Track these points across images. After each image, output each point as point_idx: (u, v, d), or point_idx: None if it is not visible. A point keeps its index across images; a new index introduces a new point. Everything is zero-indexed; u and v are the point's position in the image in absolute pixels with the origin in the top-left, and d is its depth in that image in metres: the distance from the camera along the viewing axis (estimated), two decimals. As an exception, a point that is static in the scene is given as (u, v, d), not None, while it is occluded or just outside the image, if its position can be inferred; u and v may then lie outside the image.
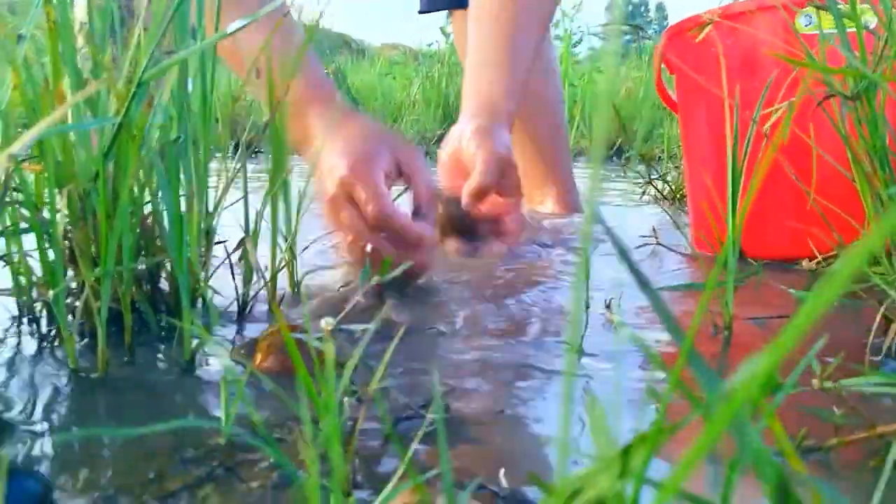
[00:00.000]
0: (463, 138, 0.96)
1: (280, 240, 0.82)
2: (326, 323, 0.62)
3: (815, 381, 0.53)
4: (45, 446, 0.52)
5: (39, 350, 0.70)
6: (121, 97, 0.55)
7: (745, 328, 0.80)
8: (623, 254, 0.22)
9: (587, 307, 0.73)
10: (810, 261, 0.91)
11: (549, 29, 1.19)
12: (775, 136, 0.62)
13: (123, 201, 0.61)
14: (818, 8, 0.95)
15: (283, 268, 0.83)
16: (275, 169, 0.78)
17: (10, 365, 0.66)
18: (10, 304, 0.77)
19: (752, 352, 0.37)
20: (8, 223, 0.70)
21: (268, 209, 0.81)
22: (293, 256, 0.82)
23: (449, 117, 3.45)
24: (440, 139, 3.31)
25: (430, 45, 4.96)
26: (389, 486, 0.39)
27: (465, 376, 0.66)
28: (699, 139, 1.16)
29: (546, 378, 0.66)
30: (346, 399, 0.55)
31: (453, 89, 3.58)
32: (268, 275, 0.78)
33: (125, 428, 0.55)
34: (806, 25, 1.05)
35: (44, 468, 0.50)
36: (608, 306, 0.79)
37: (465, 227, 0.94)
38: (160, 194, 0.64)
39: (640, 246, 1.18)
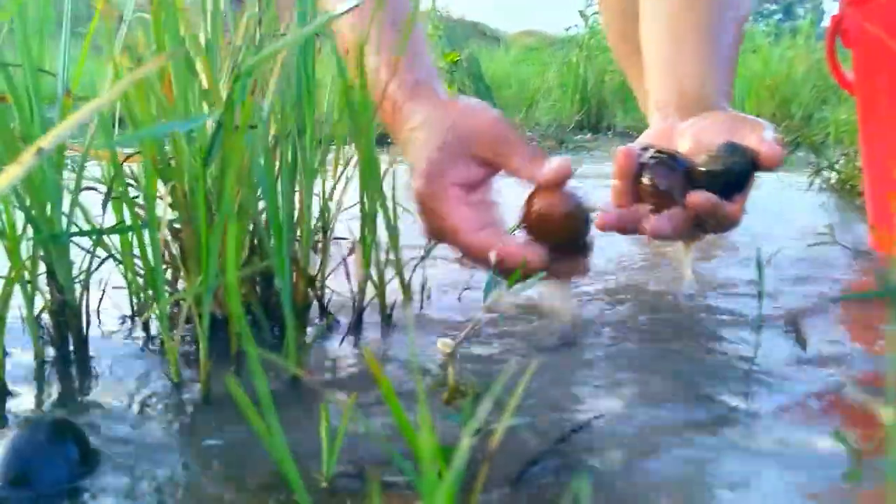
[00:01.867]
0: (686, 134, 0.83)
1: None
2: (443, 345, 0.53)
3: None
4: (133, 474, 0.46)
5: (144, 354, 0.66)
6: (216, 91, 0.49)
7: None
8: None
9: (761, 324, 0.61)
10: None
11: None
12: None
13: (226, 199, 0.55)
14: None
15: (392, 278, 0.75)
16: (363, 164, 0.70)
17: (112, 370, 0.62)
18: (125, 302, 0.74)
19: None
20: (121, 219, 0.66)
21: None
22: (398, 260, 0.74)
23: (586, 102, 3.31)
24: (578, 125, 3.18)
25: (568, 30, 4.81)
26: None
27: (610, 408, 0.56)
28: (885, 124, 1.00)
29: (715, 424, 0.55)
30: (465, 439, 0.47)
31: (592, 73, 3.43)
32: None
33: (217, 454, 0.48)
34: None
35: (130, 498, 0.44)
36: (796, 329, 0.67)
37: (665, 200, 0.75)
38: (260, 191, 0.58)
39: (814, 244, 1.03)
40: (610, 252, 1.04)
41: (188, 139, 0.59)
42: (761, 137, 0.77)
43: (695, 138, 0.83)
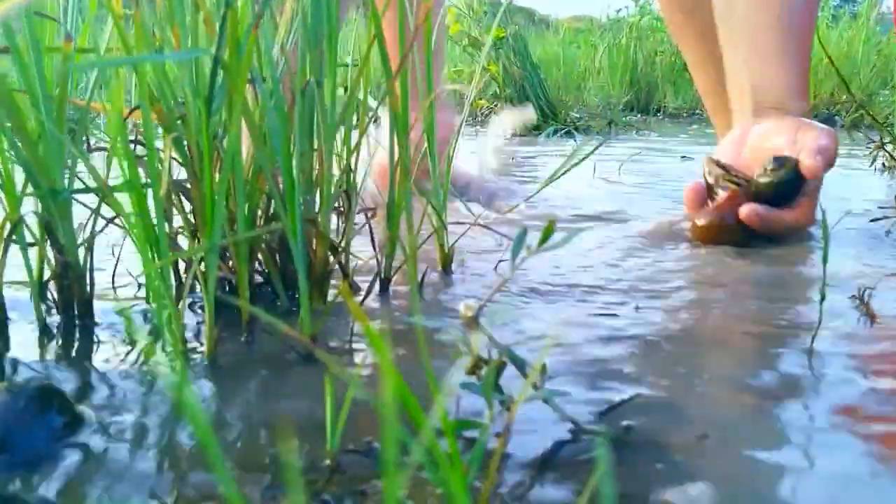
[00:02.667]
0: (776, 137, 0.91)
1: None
2: (466, 308, 0.48)
3: None
4: (119, 439, 0.42)
5: (149, 320, 0.62)
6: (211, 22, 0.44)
7: None
8: None
9: (822, 299, 0.55)
10: None
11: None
12: None
13: (230, 149, 0.50)
14: None
15: (427, 237, 0.70)
16: (394, 112, 0.64)
17: (116, 336, 0.58)
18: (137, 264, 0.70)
19: None
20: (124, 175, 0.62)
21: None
22: (442, 224, 0.69)
23: (636, 83, 3.21)
24: (627, 106, 3.09)
25: (618, 12, 4.70)
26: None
27: (656, 382, 0.50)
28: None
29: (772, 394, 0.49)
30: (487, 412, 0.42)
31: (642, 55, 3.34)
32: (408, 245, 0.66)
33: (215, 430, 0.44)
34: None
35: (131, 472, 0.40)
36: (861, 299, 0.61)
37: (769, 194, 0.87)
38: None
39: (876, 219, 0.95)
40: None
41: (194, 90, 0.54)
42: (811, 148, 0.85)
43: (754, 147, 0.92)
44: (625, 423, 0.45)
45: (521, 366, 0.44)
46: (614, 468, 0.40)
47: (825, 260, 0.54)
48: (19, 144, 0.55)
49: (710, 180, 0.93)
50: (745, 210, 0.85)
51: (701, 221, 0.88)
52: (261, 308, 0.64)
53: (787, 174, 0.86)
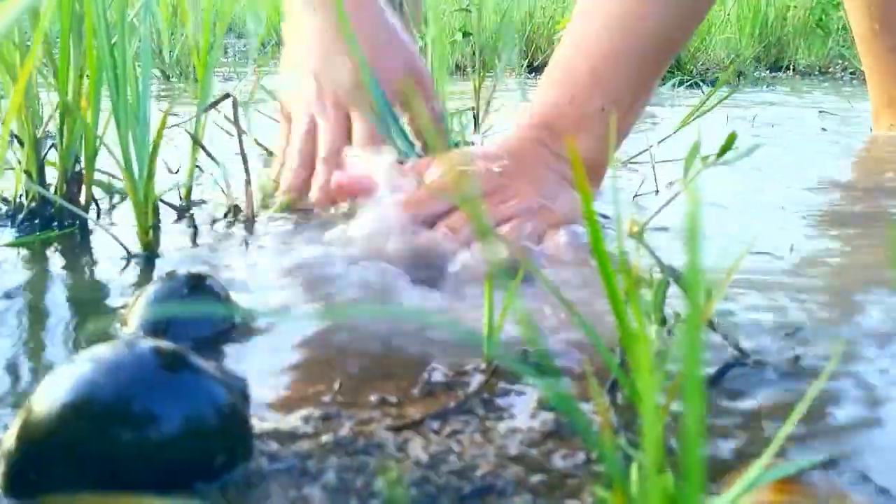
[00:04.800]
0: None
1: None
2: (633, 222, 0.46)
3: None
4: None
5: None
6: None
7: None
8: None
9: None
10: None
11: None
12: None
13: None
14: None
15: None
16: None
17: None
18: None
19: None
20: None
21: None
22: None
23: (766, 38, 3.06)
24: (754, 60, 2.96)
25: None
26: (743, 479, 0.23)
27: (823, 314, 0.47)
28: None
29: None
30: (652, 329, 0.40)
31: (773, 9, 3.16)
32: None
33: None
34: None
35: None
36: None
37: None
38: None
39: None
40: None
41: None
42: None
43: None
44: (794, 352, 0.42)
45: (685, 286, 0.42)
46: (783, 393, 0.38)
47: None
48: None
49: None
50: None
51: None
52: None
53: None
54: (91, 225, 0.67)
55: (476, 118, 1.10)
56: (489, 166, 0.63)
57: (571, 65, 0.68)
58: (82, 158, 0.66)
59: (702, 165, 0.40)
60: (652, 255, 0.41)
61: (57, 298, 0.50)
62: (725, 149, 0.41)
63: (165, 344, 0.31)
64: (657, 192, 0.84)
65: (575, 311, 0.34)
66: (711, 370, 0.40)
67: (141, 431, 0.28)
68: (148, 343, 0.30)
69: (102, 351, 0.29)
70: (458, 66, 2.18)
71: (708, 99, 0.92)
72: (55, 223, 0.67)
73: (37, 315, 0.47)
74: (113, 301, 0.50)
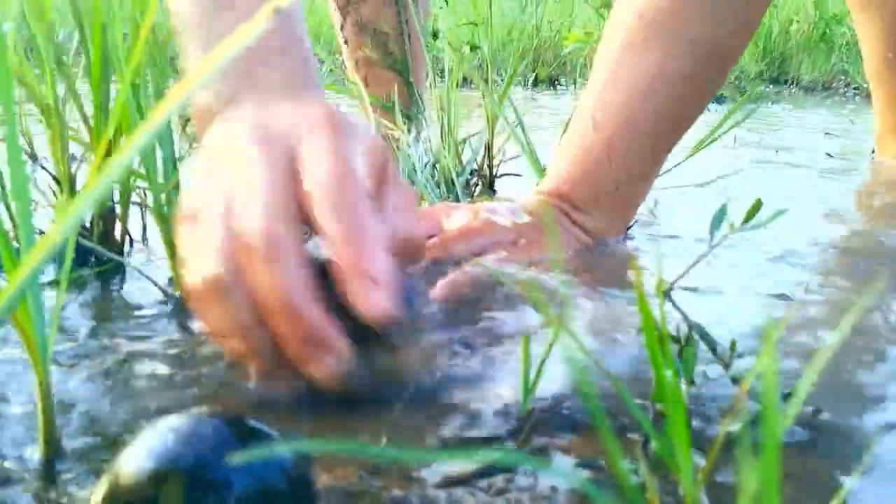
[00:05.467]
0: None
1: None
2: (661, 282, 0.49)
3: None
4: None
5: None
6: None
7: None
8: None
9: None
10: None
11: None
12: None
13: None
14: None
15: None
16: None
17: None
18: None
19: None
20: None
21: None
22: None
23: (769, 52, 3.08)
24: (758, 75, 2.98)
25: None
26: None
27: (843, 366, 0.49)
28: None
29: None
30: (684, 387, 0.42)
31: (776, 23, 3.19)
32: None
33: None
34: None
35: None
36: None
37: None
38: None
39: None
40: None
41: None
42: None
43: None
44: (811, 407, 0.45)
45: (711, 344, 0.45)
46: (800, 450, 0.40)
47: None
48: None
49: None
50: None
51: None
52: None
53: None
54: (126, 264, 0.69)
55: (489, 147, 1.08)
56: (513, 219, 0.65)
57: (586, 141, 0.71)
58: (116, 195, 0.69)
59: (728, 231, 0.42)
60: (681, 314, 0.43)
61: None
62: (752, 214, 0.43)
63: (232, 413, 0.33)
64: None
65: (602, 366, 0.36)
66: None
67: (219, 496, 0.30)
68: (218, 414, 0.32)
69: (179, 422, 0.32)
70: (465, 79, 2.20)
71: (719, 127, 0.94)
72: (92, 258, 0.70)
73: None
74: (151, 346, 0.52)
